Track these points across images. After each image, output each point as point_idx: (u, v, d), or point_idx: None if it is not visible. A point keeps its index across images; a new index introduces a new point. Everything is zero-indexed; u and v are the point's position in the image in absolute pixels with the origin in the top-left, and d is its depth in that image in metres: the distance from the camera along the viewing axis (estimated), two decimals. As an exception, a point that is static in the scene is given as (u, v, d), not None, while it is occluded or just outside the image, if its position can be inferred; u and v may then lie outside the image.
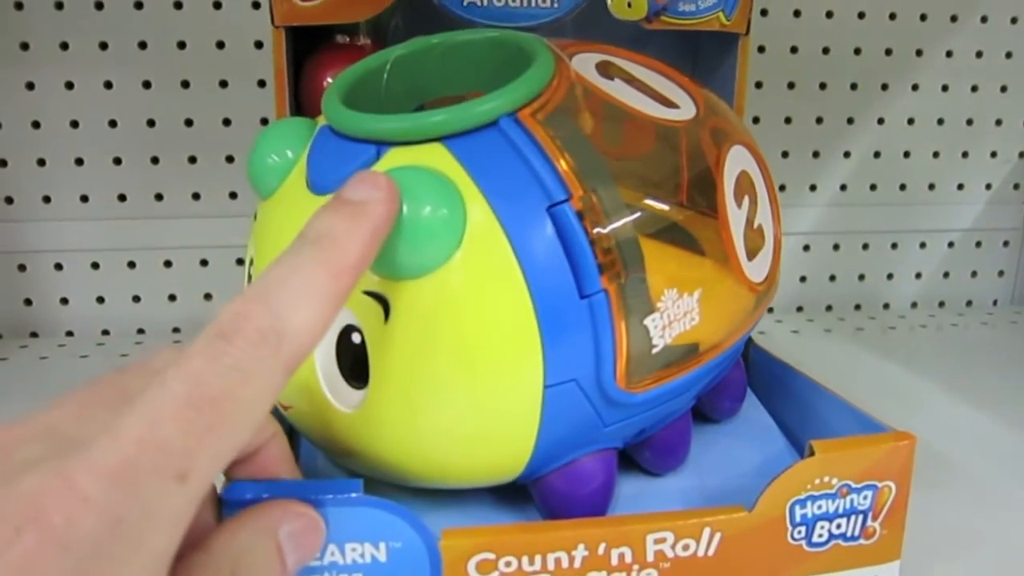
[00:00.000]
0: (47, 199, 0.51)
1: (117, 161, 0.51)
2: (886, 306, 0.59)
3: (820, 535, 0.24)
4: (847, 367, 0.47)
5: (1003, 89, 0.56)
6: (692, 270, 0.24)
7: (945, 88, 0.56)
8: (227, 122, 0.51)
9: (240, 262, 0.52)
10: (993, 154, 0.57)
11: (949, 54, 0.55)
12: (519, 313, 0.21)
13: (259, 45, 0.50)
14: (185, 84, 0.50)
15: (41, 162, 0.50)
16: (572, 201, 0.21)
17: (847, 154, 0.56)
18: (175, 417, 0.15)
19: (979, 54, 0.55)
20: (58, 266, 0.52)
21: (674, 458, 0.28)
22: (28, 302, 0.52)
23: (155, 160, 0.51)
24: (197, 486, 0.15)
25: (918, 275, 0.59)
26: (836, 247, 0.58)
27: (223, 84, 0.50)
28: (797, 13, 0.53)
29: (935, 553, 0.29)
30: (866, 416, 0.27)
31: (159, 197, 0.51)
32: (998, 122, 0.57)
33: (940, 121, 0.56)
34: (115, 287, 0.52)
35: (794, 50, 0.54)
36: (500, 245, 0.21)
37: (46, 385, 0.45)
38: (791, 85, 0.54)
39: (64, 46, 0.49)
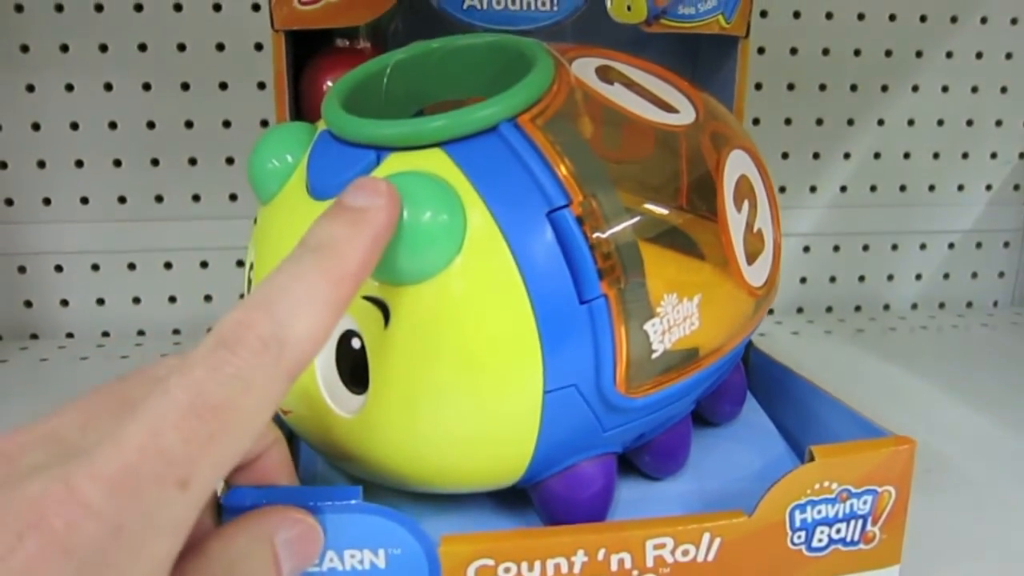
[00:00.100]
0: (47, 201, 0.51)
1: (117, 163, 0.51)
2: (886, 307, 0.59)
3: (820, 540, 0.24)
4: (847, 368, 0.47)
5: (1003, 90, 0.56)
6: (692, 275, 0.24)
7: (945, 89, 0.56)
8: (227, 124, 0.51)
9: (240, 264, 0.52)
10: (993, 155, 0.57)
11: (949, 55, 0.55)
12: (519, 318, 0.21)
13: (259, 47, 0.50)
14: (185, 86, 0.50)
15: (41, 164, 0.50)
16: (572, 206, 0.21)
17: (847, 155, 0.56)
18: (177, 425, 0.15)
19: (979, 55, 0.55)
20: (58, 268, 0.52)
21: (674, 462, 0.28)
22: (28, 304, 0.52)
23: (155, 162, 0.51)
24: (198, 494, 0.15)
25: (918, 276, 0.59)
26: (836, 248, 0.58)
27: (223, 86, 0.50)
28: (797, 14, 0.53)
29: (935, 558, 0.29)
30: (866, 420, 0.27)
31: (159, 199, 0.51)
32: (998, 123, 0.57)
33: (940, 122, 0.56)
34: (115, 289, 0.52)
35: (794, 51, 0.54)
36: (500, 250, 0.21)
37: (46, 387, 0.45)
38: (791, 86, 0.54)
39: (64, 48, 0.49)
